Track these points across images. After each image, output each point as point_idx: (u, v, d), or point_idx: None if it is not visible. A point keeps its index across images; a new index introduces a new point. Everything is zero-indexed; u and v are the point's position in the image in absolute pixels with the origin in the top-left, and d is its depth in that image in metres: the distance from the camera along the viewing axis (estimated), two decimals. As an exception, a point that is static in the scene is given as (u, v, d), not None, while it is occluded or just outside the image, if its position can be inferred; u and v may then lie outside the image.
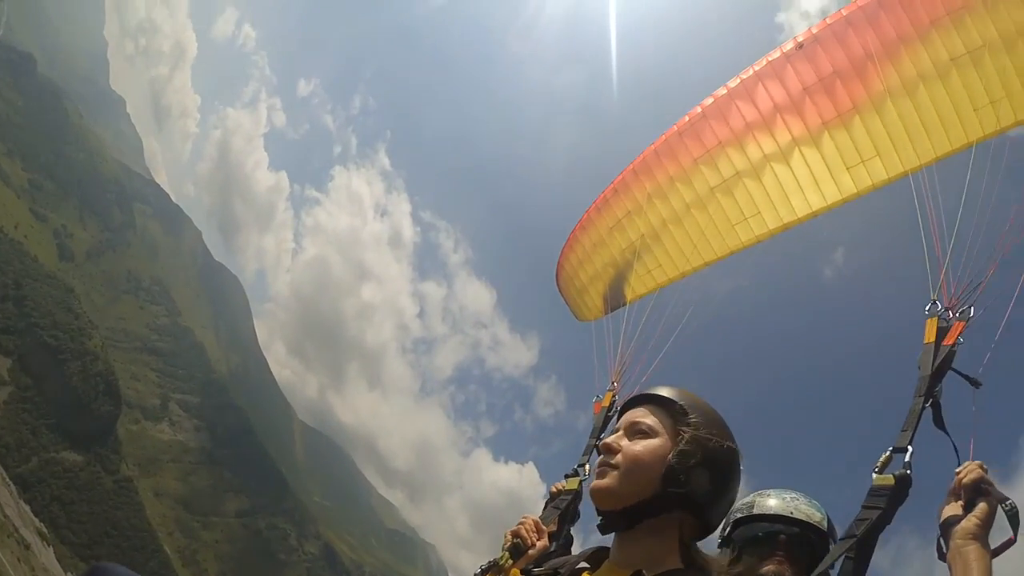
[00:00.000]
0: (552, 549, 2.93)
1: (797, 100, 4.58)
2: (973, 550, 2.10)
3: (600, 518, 2.01)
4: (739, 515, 3.11)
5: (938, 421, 2.96)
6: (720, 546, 3.15)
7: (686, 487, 1.90)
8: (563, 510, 3.60)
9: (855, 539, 2.36)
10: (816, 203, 4.92)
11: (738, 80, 4.76)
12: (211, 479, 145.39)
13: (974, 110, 4.14)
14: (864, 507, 2.49)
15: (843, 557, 2.35)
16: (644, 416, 2.04)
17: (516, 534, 2.93)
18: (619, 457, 1.96)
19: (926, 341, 3.16)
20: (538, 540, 2.90)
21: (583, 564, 2.04)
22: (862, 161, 4.48)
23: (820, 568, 2.31)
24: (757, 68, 4.70)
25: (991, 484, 2.23)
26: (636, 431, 2.01)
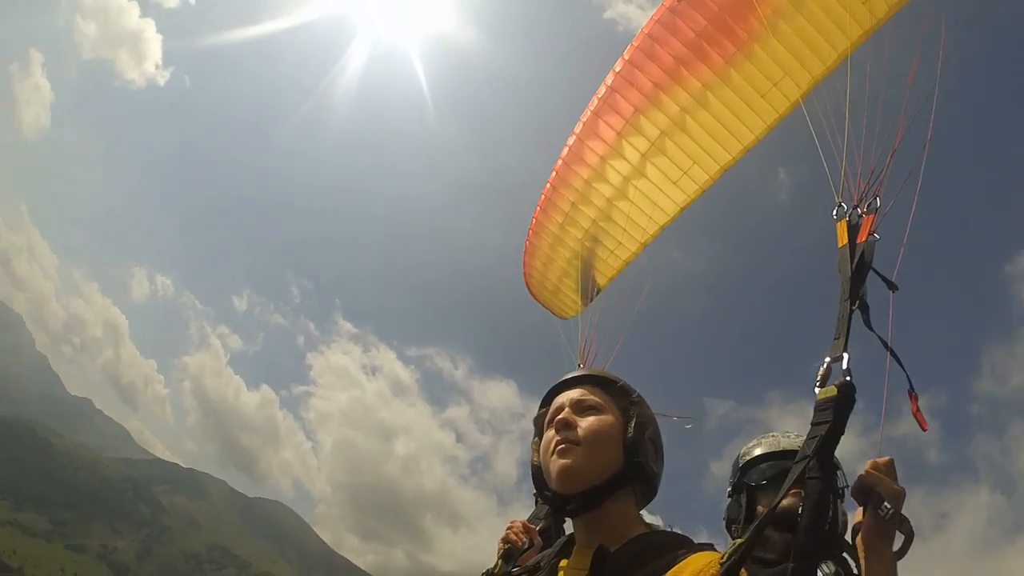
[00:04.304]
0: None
1: (695, 48, 4.61)
2: (867, 565, 2.01)
3: (563, 502, 1.96)
4: (745, 459, 3.27)
5: (868, 323, 2.85)
6: (730, 494, 3.29)
7: (645, 458, 1.96)
8: None
9: (808, 459, 2.24)
10: (745, 137, 4.94)
11: (634, 48, 4.80)
12: None
13: (853, 11, 4.18)
14: (813, 424, 2.37)
15: (808, 479, 2.22)
16: (587, 395, 2.04)
17: (506, 540, 2.97)
18: (579, 432, 1.94)
19: (840, 245, 3.11)
20: (530, 540, 2.93)
21: (558, 556, 2.03)
22: (774, 85, 4.50)
23: (780, 495, 2.20)
24: (647, 31, 4.74)
25: (875, 483, 2.07)
26: (584, 408, 2.00)
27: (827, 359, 2.58)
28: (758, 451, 3.26)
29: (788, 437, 3.27)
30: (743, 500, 3.18)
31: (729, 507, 3.28)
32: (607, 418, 1.97)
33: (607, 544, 1.82)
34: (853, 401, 2.36)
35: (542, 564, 2.10)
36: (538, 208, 5.42)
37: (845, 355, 2.58)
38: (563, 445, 1.92)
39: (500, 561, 2.77)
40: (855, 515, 2.16)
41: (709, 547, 1.81)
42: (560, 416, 1.98)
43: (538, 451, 2.09)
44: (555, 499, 2.00)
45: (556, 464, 1.92)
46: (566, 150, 5.19)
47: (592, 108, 5.03)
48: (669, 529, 2.10)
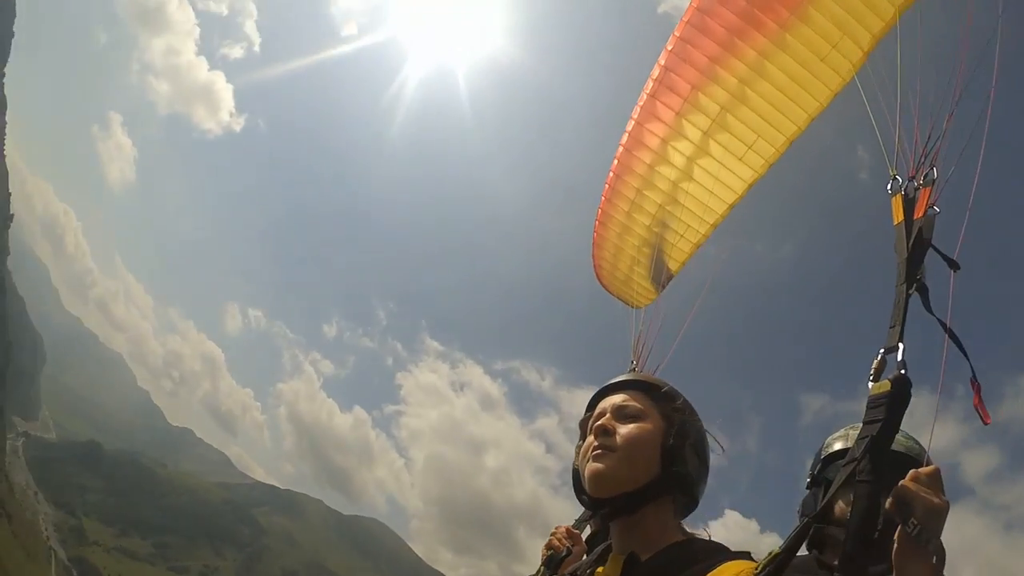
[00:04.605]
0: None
1: (747, 16, 4.46)
2: None
3: (598, 506, 1.96)
4: (826, 453, 3.09)
5: (928, 307, 2.62)
6: (809, 487, 3.13)
7: (684, 467, 1.94)
8: None
9: (857, 460, 2.07)
10: (809, 105, 4.78)
11: (684, 23, 4.70)
12: None
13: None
14: (864, 423, 2.19)
15: (858, 482, 2.03)
16: (629, 400, 2.04)
17: (549, 545, 2.97)
18: (617, 439, 1.94)
19: (896, 222, 2.88)
20: (573, 545, 2.91)
21: (596, 563, 2.04)
22: (833, 47, 4.31)
23: (825, 499, 2.07)
24: (696, 4, 4.66)
25: (911, 496, 1.76)
26: (625, 415, 2.00)
27: (881, 351, 2.40)
28: (838, 445, 3.07)
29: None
30: (820, 495, 3.02)
31: (804, 501, 3.13)
32: (646, 426, 1.97)
33: (641, 551, 1.83)
34: (908, 397, 2.19)
35: (579, 572, 2.12)
36: (603, 198, 5.38)
37: (900, 345, 2.38)
38: (599, 451, 1.94)
39: (543, 567, 2.80)
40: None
41: (745, 555, 1.78)
42: (599, 422, 2.00)
43: (578, 456, 2.10)
44: (590, 503, 2.01)
45: (589, 468, 1.94)
46: (626, 136, 5.12)
47: (648, 90, 4.93)
48: (709, 538, 2.03)
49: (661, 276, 5.41)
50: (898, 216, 2.92)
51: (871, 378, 2.30)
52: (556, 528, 3.06)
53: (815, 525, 1.96)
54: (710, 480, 2.12)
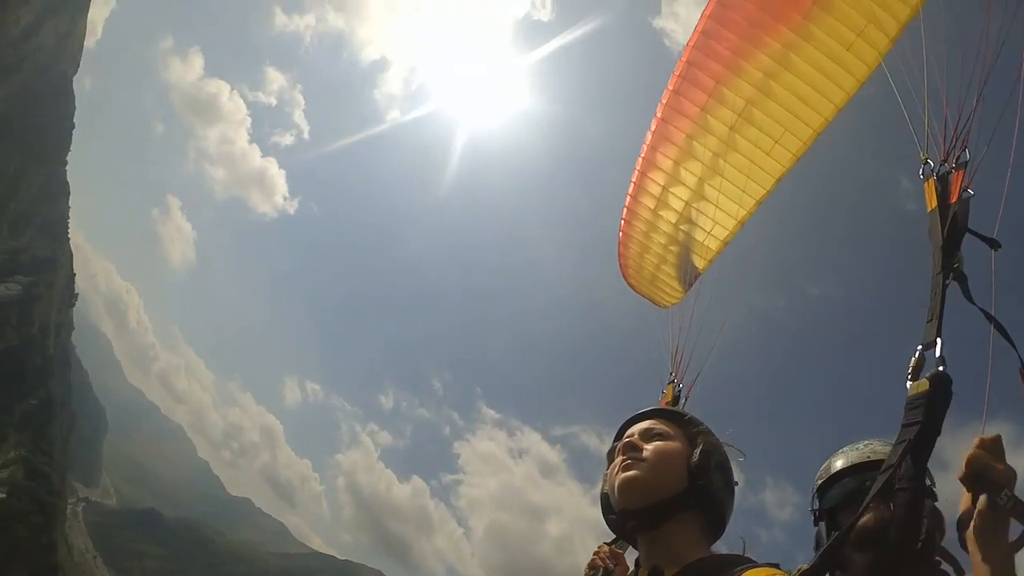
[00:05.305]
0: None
1: (769, 8, 4.45)
2: (979, 558, 1.68)
3: (625, 519, 1.94)
4: (820, 480, 2.89)
5: (968, 295, 2.47)
6: (815, 523, 2.92)
7: (710, 482, 1.92)
8: None
9: (894, 467, 1.96)
10: (836, 95, 4.71)
11: (706, 18, 4.67)
12: None
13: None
14: (902, 426, 2.06)
15: (897, 490, 1.94)
16: (656, 425, 2.06)
17: (591, 565, 2.96)
18: (645, 452, 1.95)
19: (929, 209, 2.77)
20: (616, 565, 2.88)
21: None
22: (858, 35, 4.25)
23: (861, 510, 1.98)
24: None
25: (987, 466, 1.69)
26: (652, 435, 2.01)
27: (919, 347, 2.27)
28: (839, 463, 2.83)
29: (874, 444, 2.81)
30: (824, 528, 2.80)
31: (816, 536, 2.90)
32: (673, 444, 1.98)
33: (667, 567, 1.82)
34: (949, 396, 2.06)
35: None
36: (628, 196, 5.38)
37: (938, 340, 2.26)
38: (628, 462, 1.95)
39: None
40: (961, 503, 1.80)
41: (774, 566, 1.71)
42: (627, 440, 2.01)
43: (606, 481, 2.10)
44: (617, 519, 2.01)
45: (619, 477, 1.94)
46: (650, 134, 5.13)
47: (672, 87, 4.92)
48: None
49: (689, 274, 5.37)
50: (931, 202, 2.82)
51: (908, 376, 2.19)
52: (599, 547, 3.03)
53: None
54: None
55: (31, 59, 71.68)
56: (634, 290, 5.89)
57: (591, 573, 2.93)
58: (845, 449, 2.88)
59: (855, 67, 4.48)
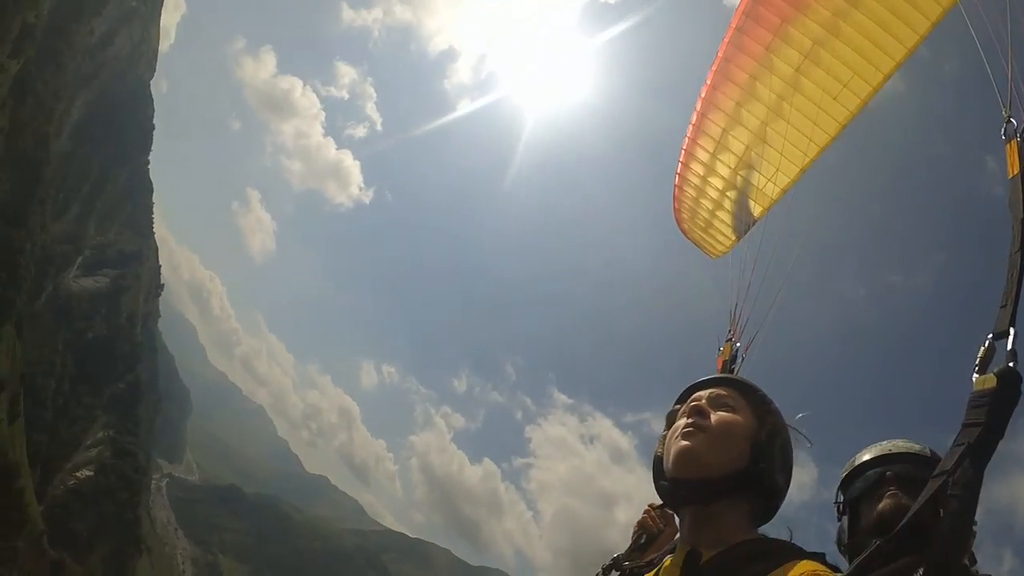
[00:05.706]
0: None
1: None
2: None
3: (675, 488, 1.83)
4: (845, 473, 2.87)
5: None
6: (839, 517, 2.89)
7: (772, 465, 1.81)
8: None
9: (949, 473, 1.77)
10: (909, 38, 4.51)
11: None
12: None
13: None
14: (963, 425, 1.83)
15: (950, 496, 1.76)
16: (725, 394, 1.94)
17: (641, 524, 2.93)
18: (711, 421, 1.85)
19: (1011, 175, 2.42)
20: (665, 526, 2.87)
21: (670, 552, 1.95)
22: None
23: (906, 518, 1.82)
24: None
25: None
26: (720, 404, 1.90)
27: (989, 336, 2.00)
28: (865, 456, 2.78)
29: (895, 441, 2.80)
30: (846, 523, 2.79)
31: (838, 531, 2.88)
32: (740, 418, 1.87)
33: (709, 547, 1.75)
34: (1017, 396, 1.82)
35: (655, 560, 2.08)
36: (687, 138, 5.25)
37: (1011, 330, 1.97)
38: (690, 428, 1.84)
39: (631, 547, 2.80)
40: None
41: (820, 556, 1.62)
42: (695, 403, 1.91)
43: (662, 444, 1.98)
44: (668, 487, 1.89)
45: (677, 444, 1.84)
46: (712, 73, 4.97)
47: (736, 24, 4.75)
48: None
49: (744, 221, 5.23)
50: (1013, 167, 2.49)
51: (975, 369, 1.95)
52: (649, 506, 2.95)
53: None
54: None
55: (108, 66, 75.14)
56: (686, 236, 5.75)
57: (639, 531, 2.90)
58: (872, 445, 2.83)
59: (928, 6, 4.31)
